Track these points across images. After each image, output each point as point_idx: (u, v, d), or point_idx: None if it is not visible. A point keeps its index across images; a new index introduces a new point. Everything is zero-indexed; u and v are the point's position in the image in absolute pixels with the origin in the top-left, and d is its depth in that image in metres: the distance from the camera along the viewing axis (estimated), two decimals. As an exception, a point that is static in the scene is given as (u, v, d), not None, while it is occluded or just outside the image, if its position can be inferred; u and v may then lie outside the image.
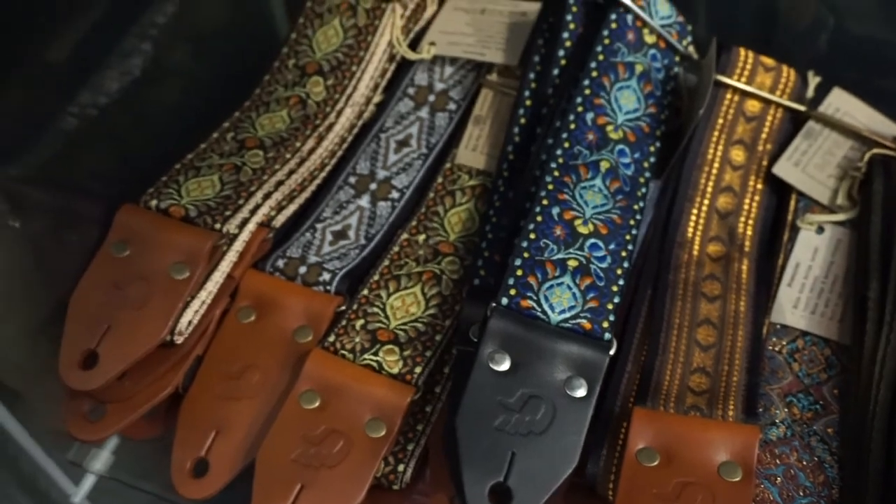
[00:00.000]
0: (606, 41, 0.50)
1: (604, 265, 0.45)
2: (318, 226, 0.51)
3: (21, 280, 0.47)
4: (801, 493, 0.41)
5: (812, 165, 0.51)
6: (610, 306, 0.43)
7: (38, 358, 0.47)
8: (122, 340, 0.44)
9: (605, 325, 0.43)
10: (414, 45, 0.58)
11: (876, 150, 0.49)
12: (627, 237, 0.46)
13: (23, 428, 0.45)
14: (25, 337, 0.47)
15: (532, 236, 0.45)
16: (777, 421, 0.43)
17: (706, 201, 0.51)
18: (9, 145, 0.53)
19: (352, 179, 0.53)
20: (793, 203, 0.50)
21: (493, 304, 0.43)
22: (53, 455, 0.47)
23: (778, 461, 0.42)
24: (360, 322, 0.47)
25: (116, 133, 0.55)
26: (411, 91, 0.57)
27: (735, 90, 0.52)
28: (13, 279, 0.47)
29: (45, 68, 0.58)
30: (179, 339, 0.46)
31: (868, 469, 0.39)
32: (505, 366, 0.41)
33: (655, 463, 0.41)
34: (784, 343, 0.46)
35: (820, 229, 0.49)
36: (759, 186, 0.51)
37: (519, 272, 0.43)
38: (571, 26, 0.52)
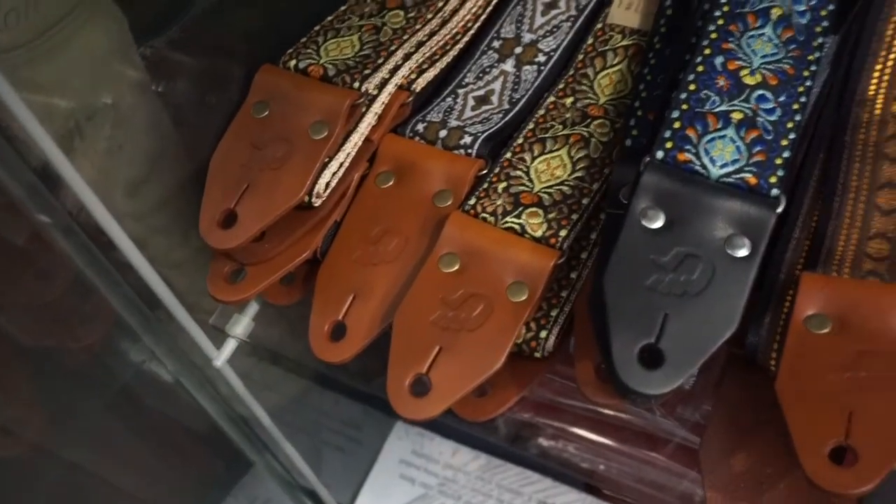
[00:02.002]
0: None
1: (773, 118, 0.40)
2: (460, 91, 0.49)
3: (164, 142, 0.47)
4: None
5: None
6: (779, 161, 0.39)
7: (182, 220, 0.46)
8: (261, 199, 0.44)
9: (773, 180, 0.39)
10: None
11: None
12: (801, 89, 0.41)
13: (169, 291, 0.45)
14: (170, 199, 0.47)
15: (692, 87, 0.41)
16: (973, 290, 0.38)
17: (893, 55, 0.45)
18: (155, 14, 0.53)
19: (496, 44, 0.50)
20: None
21: (647, 159, 0.39)
22: (197, 319, 0.47)
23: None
24: (502, 185, 0.44)
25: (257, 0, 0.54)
26: (561, -51, 0.53)
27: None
28: (158, 142, 0.47)
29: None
30: (318, 202, 0.45)
31: None
32: (659, 223, 0.38)
33: (827, 330, 0.37)
34: (982, 207, 0.41)
35: None
36: (957, 38, 0.45)
37: (677, 125, 0.40)
38: None
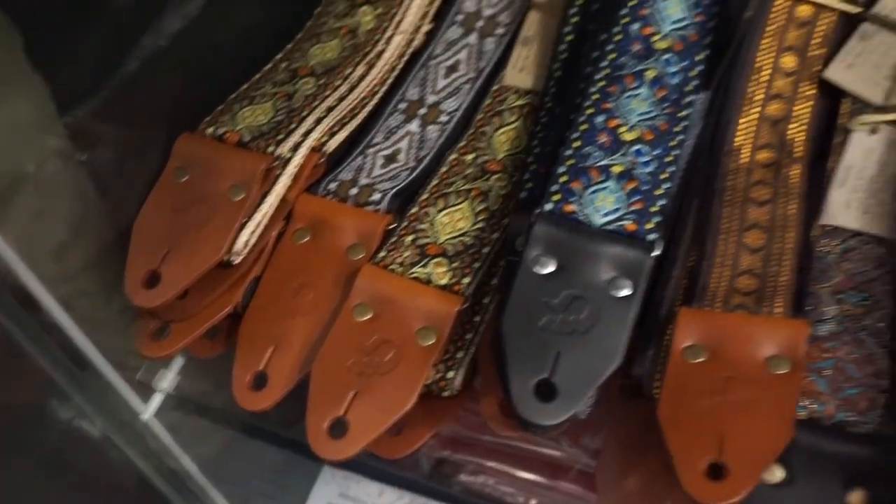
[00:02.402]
0: (651, -48, 0.50)
1: (649, 170, 0.45)
2: (370, 151, 0.53)
3: (88, 208, 0.50)
4: (850, 385, 0.41)
5: (866, 67, 0.49)
6: (655, 209, 0.44)
7: (106, 282, 0.49)
8: (183, 259, 0.46)
9: (650, 226, 0.43)
10: (461, -26, 0.58)
11: (932, 48, 0.48)
12: (673, 143, 0.46)
13: (96, 350, 0.48)
14: (94, 262, 0.50)
15: (576, 144, 0.45)
16: (827, 318, 0.43)
17: (755, 109, 0.50)
18: (77, 84, 0.56)
19: (402, 105, 0.54)
20: (845, 106, 0.49)
21: (538, 211, 0.43)
22: (124, 375, 0.50)
23: (827, 355, 0.42)
24: (409, 238, 0.48)
25: (176, 71, 0.57)
26: (460, 18, 0.57)
27: (784, -4, 0.51)
28: (81, 208, 0.50)
29: (110, 13, 0.60)
30: (237, 260, 0.48)
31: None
32: (549, 268, 0.42)
33: (702, 359, 0.41)
34: (835, 244, 0.45)
35: (873, 130, 0.48)
36: (811, 92, 0.50)
37: (563, 179, 0.44)
38: (615, -59, 0.52)
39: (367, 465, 0.81)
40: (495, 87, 0.54)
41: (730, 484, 0.38)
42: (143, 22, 0.61)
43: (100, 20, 0.61)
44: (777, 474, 0.40)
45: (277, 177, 0.49)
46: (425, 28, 0.57)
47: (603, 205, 0.43)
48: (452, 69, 0.56)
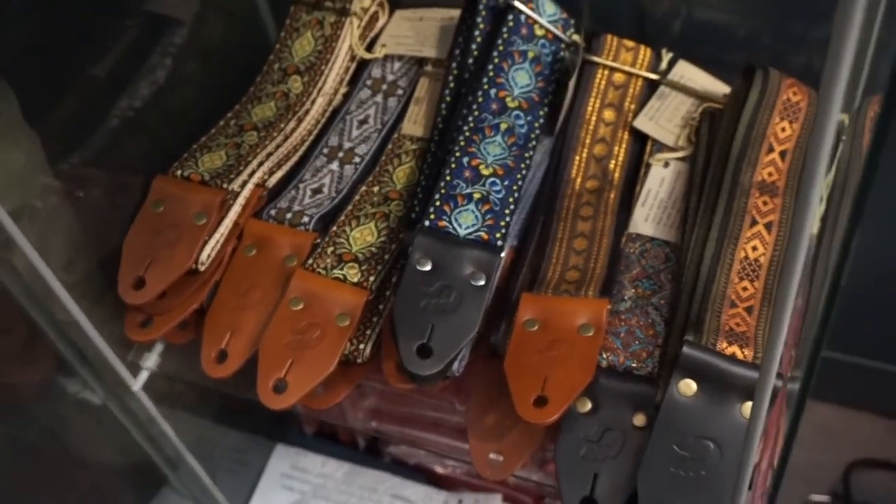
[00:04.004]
0: (505, 35, 0.68)
1: (500, 196, 0.62)
2: (301, 185, 0.69)
3: (86, 234, 0.66)
4: (636, 342, 0.58)
5: (663, 118, 0.68)
6: (503, 223, 0.61)
7: (104, 286, 0.65)
8: (161, 269, 0.63)
9: (498, 236, 0.61)
10: (370, 47, 0.76)
11: (706, 105, 0.66)
12: (518, 177, 0.64)
13: (98, 335, 0.64)
14: (94, 272, 0.66)
15: (448, 178, 0.62)
16: (625, 298, 0.61)
17: (585, 150, 0.68)
18: (70, 139, 0.72)
19: (325, 150, 0.71)
20: (649, 147, 0.67)
21: (419, 225, 0.60)
22: (119, 355, 0.66)
23: (623, 324, 0.59)
24: (330, 249, 0.65)
25: (148, 126, 0.73)
26: (369, 83, 0.75)
27: (604, 66, 0.70)
28: (81, 234, 0.66)
29: (92, 81, 0.77)
30: (202, 268, 0.64)
31: (676, 320, 0.57)
32: (427, 267, 0.59)
33: (535, 329, 0.58)
34: (636, 246, 0.63)
35: (666, 164, 0.66)
36: (626, 137, 0.68)
37: (437, 202, 0.61)
38: (481, 26, 0.69)
39: (313, 442, 0.97)
40: (395, 136, 0.71)
41: (549, 409, 0.55)
42: (118, 87, 0.77)
43: (83, 85, 0.78)
44: (587, 405, 0.57)
45: (230, 206, 0.65)
46: (342, 91, 0.74)
47: (465, 221, 0.61)
48: (363, 122, 0.73)
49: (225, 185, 0.65)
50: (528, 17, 0.68)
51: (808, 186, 0.33)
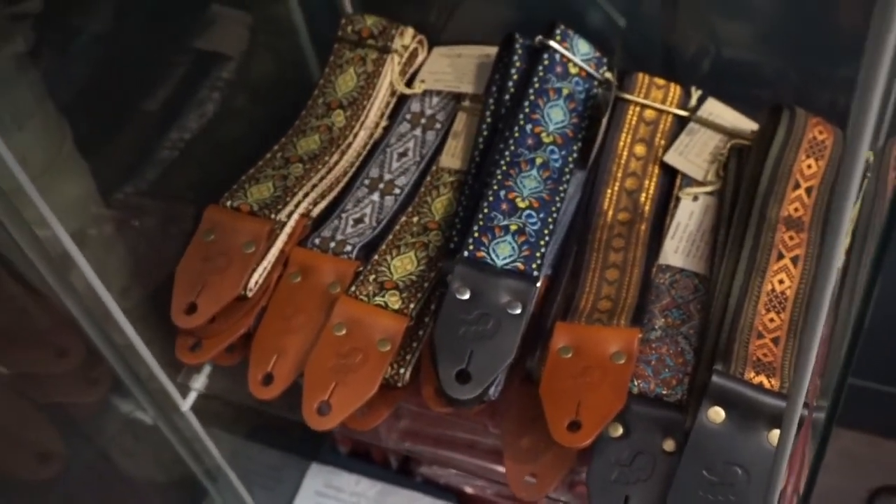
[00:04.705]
0: (541, 74, 0.71)
1: (535, 227, 0.65)
2: (343, 215, 0.72)
3: (142, 260, 0.69)
4: (667, 370, 0.61)
5: (692, 154, 0.70)
6: (538, 255, 0.64)
7: (158, 311, 0.68)
8: (212, 295, 0.66)
9: (534, 266, 0.63)
10: (409, 83, 0.79)
11: (734, 141, 0.69)
12: (553, 209, 0.67)
13: (151, 357, 0.67)
14: (149, 298, 0.69)
15: (486, 210, 0.65)
16: (656, 327, 0.63)
17: (617, 183, 0.71)
18: (124, 170, 0.76)
19: (366, 182, 0.75)
20: (679, 181, 0.70)
21: (458, 256, 0.63)
22: (170, 377, 0.69)
23: (653, 352, 0.62)
24: (372, 276, 0.68)
25: (199, 158, 0.77)
26: (408, 116, 0.78)
27: (636, 103, 0.72)
28: (137, 260, 0.69)
29: (145, 114, 0.80)
30: (250, 294, 0.67)
31: (706, 346, 0.59)
32: (466, 295, 0.62)
33: (569, 356, 0.61)
34: (666, 277, 0.66)
35: (695, 198, 0.69)
36: (656, 171, 0.71)
37: (476, 234, 0.64)
38: (518, 64, 0.72)
39: (346, 461, 1.00)
40: (434, 168, 0.74)
41: (582, 434, 0.57)
42: (170, 120, 0.81)
43: (136, 118, 0.82)
44: (618, 430, 0.60)
45: (277, 236, 0.68)
46: (383, 124, 0.77)
47: (502, 252, 0.64)
48: (403, 154, 0.76)
49: (272, 216, 0.69)
50: (562, 55, 0.71)
51: (837, 224, 0.36)
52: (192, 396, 0.70)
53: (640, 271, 0.66)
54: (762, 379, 0.56)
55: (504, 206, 0.66)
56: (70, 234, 0.64)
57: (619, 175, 0.71)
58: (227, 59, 0.84)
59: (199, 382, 0.70)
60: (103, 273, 0.65)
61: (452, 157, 0.75)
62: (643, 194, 0.70)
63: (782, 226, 0.62)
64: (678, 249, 0.67)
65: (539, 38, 0.72)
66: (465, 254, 0.63)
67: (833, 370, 0.59)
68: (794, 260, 0.61)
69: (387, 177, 0.75)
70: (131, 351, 0.65)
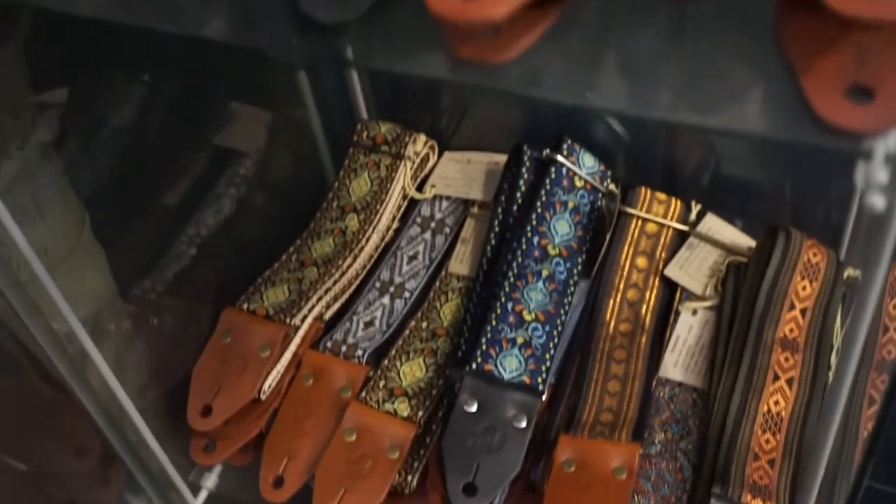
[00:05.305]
0: (548, 187, 0.74)
1: (541, 341, 0.68)
2: (355, 318, 0.75)
3: (159, 359, 0.71)
4: (666, 486, 0.63)
5: (692, 268, 0.73)
6: (544, 368, 0.66)
7: (173, 412, 0.70)
8: (228, 398, 0.68)
9: (540, 380, 0.66)
10: (420, 187, 0.82)
11: (732, 258, 0.72)
12: (558, 321, 0.69)
13: (164, 457, 0.69)
14: (165, 398, 0.71)
15: (493, 322, 0.68)
16: (656, 441, 0.65)
17: (619, 294, 0.73)
18: (143, 264, 0.78)
19: (377, 284, 0.77)
20: (678, 294, 0.73)
21: (467, 368, 0.66)
22: (182, 475, 0.71)
23: (653, 467, 0.64)
24: (382, 383, 0.70)
25: (217, 255, 0.80)
26: (419, 220, 0.81)
27: (638, 217, 0.75)
28: (154, 359, 0.71)
29: (165, 210, 0.83)
30: (263, 397, 0.69)
31: (704, 464, 0.61)
32: (474, 408, 0.64)
33: (572, 469, 0.63)
34: (666, 390, 0.68)
35: (694, 312, 0.71)
36: (657, 283, 0.74)
37: (484, 346, 0.67)
38: (525, 175, 0.75)
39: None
40: (443, 273, 0.77)
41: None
42: (187, 214, 0.84)
43: (153, 211, 0.84)
44: (619, 544, 0.62)
45: (291, 339, 0.71)
46: (394, 227, 0.80)
47: (509, 365, 0.66)
48: (413, 258, 0.79)
49: (287, 320, 0.71)
50: (569, 169, 0.74)
51: (841, 375, 0.38)
52: (203, 495, 0.72)
53: (640, 384, 0.69)
54: (759, 503, 0.58)
55: (511, 319, 0.68)
56: (88, 328, 0.66)
57: (622, 286, 0.74)
58: (245, 156, 0.87)
59: (210, 481, 0.72)
60: (121, 370, 0.68)
61: (461, 263, 0.77)
62: (644, 306, 0.73)
63: (778, 347, 0.65)
64: (677, 363, 0.70)
65: (547, 151, 0.75)
66: (474, 366, 0.66)
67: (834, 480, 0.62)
68: (790, 382, 0.64)
69: (397, 280, 0.77)
70: (145, 449, 0.67)
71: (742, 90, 0.32)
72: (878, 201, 0.29)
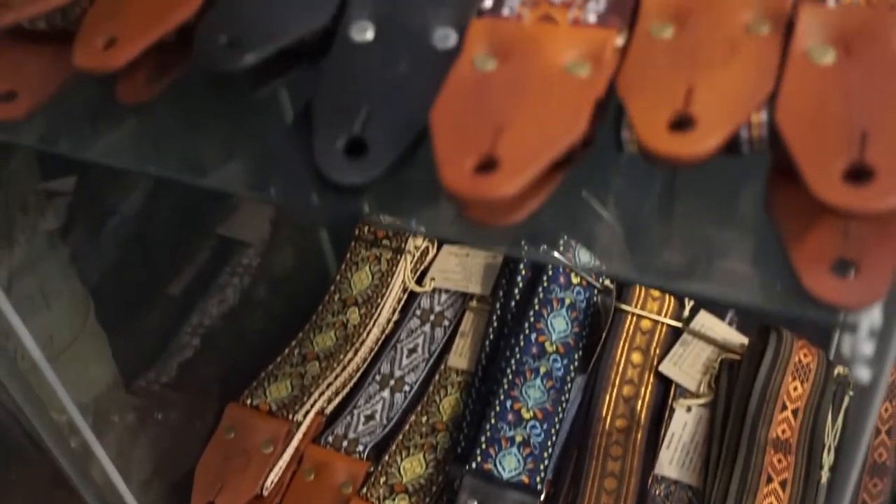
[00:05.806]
0: (545, 284, 0.76)
1: (539, 439, 0.69)
2: (355, 411, 0.76)
3: (162, 455, 0.73)
4: (662, 588, 0.64)
5: (686, 364, 0.75)
6: (542, 467, 0.68)
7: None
8: (231, 495, 0.69)
9: (538, 479, 0.67)
10: (420, 279, 0.84)
11: (725, 355, 0.74)
12: (556, 419, 0.71)
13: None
14: (169, 492, 0.72)
15: (493, 421, 0.69)
16: (652, 540, 0.67)
17: (615, 390, 0.75)
18: (147, 357, 0.80)
19: (377, 377, 0.79)
20: (673, 390, 0.74)
21: (466, 468, 0.67)
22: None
23: (650, 567, 0.65)
24: (382, 479, 0.71)
25: (220, 347, 0.81)
26: (418, 312, 0.83)
27: (633, 314, 0.77)
28: (156, 454, 0.72)
29: (168, 300, 0.85)
30: (266, 493, 0.70)
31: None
32: (474, 505, 0.66)
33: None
34: (662, 487, 0.70)
35: (688, 409, 0.73)
36: (652, 379, 0.75)
37: (483, 445, 0.68)
38: (523, 272, 0.78)
39: None
40: (442, 367, 0.79)
41: None
42: (191, 304, 0.86)
43: (157, 300, 0.86)
44: None
45: (293, 435, 0.72)
46: (394, 319, 0.82)
47: (508, 465, 0.67)
48: (413, 350, 0.80)
49: (290, 416, 0.72)
50: (566, 266, 0.76)
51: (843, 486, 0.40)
52: None
53: (637, 481, 0.70)
54: None
55: (510, 417, 0.70)
56: (90, 418, 0.67)
57: (617, 382, 0.76)
58: (249, 246, 0.89)
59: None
60: (124, 464, 0.69)
61: (460, 357, 0.79)
62: (640, 402, 0.75)
63: (771, 448, 0.66)
64: (673, 460, 0.71)
65: (544, 247, 0.77)
66: (473, 465, 0.67)
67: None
68: (783, 484, 0.65)
69: (397, 373, 0.79)
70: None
71: (732, 259, 0.33)
72: (863, 374, 0.31)
